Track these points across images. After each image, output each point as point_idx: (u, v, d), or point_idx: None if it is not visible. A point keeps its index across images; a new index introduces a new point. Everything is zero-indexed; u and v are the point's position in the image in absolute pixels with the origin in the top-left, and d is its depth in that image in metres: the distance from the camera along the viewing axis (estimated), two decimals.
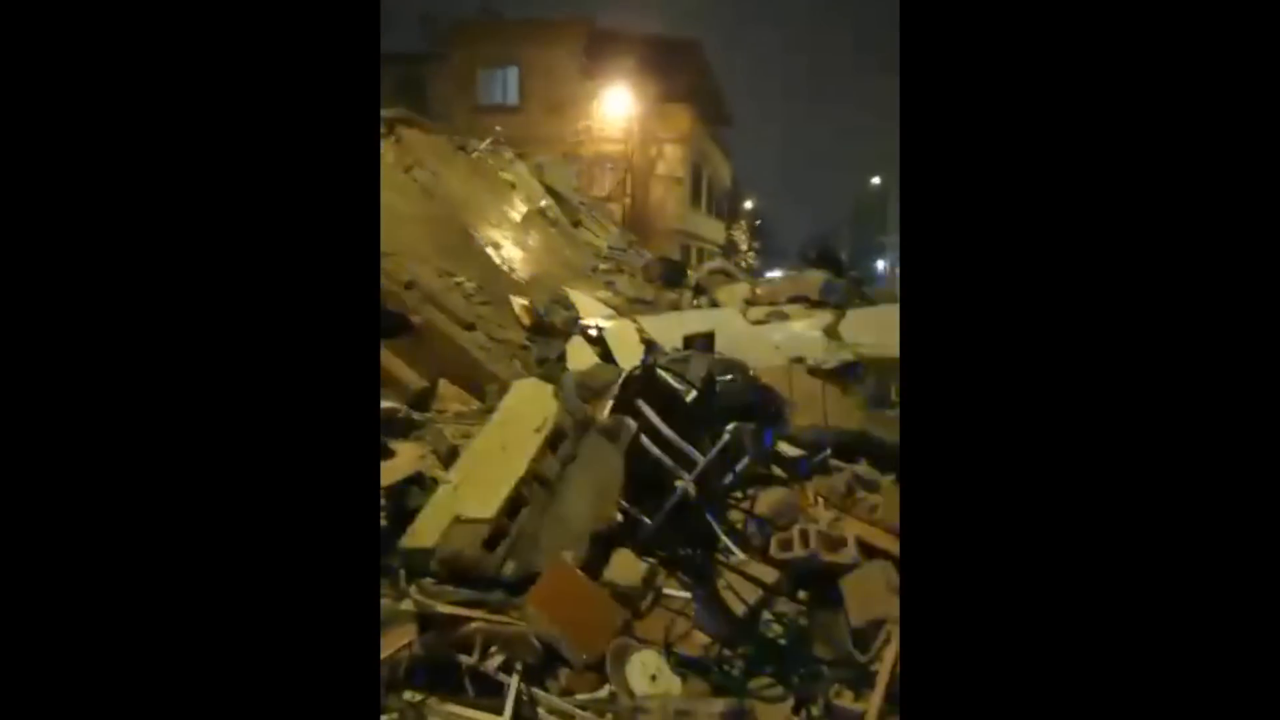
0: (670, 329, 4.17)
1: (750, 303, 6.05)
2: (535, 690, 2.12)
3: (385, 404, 3.78)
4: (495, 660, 2.17)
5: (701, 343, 3.54)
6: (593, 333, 4.66)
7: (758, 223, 29.25)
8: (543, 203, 6.90)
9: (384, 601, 2.32)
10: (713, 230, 17.65)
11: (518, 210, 6.36)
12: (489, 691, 2.12)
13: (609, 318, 5.03)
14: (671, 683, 2.19)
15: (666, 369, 3.04)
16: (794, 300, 5.98)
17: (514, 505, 2.64)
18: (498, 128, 8.12)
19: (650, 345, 4.24)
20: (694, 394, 2.88)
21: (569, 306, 5.07)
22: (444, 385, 4.05)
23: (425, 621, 2.21)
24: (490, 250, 5.24)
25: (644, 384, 2.97)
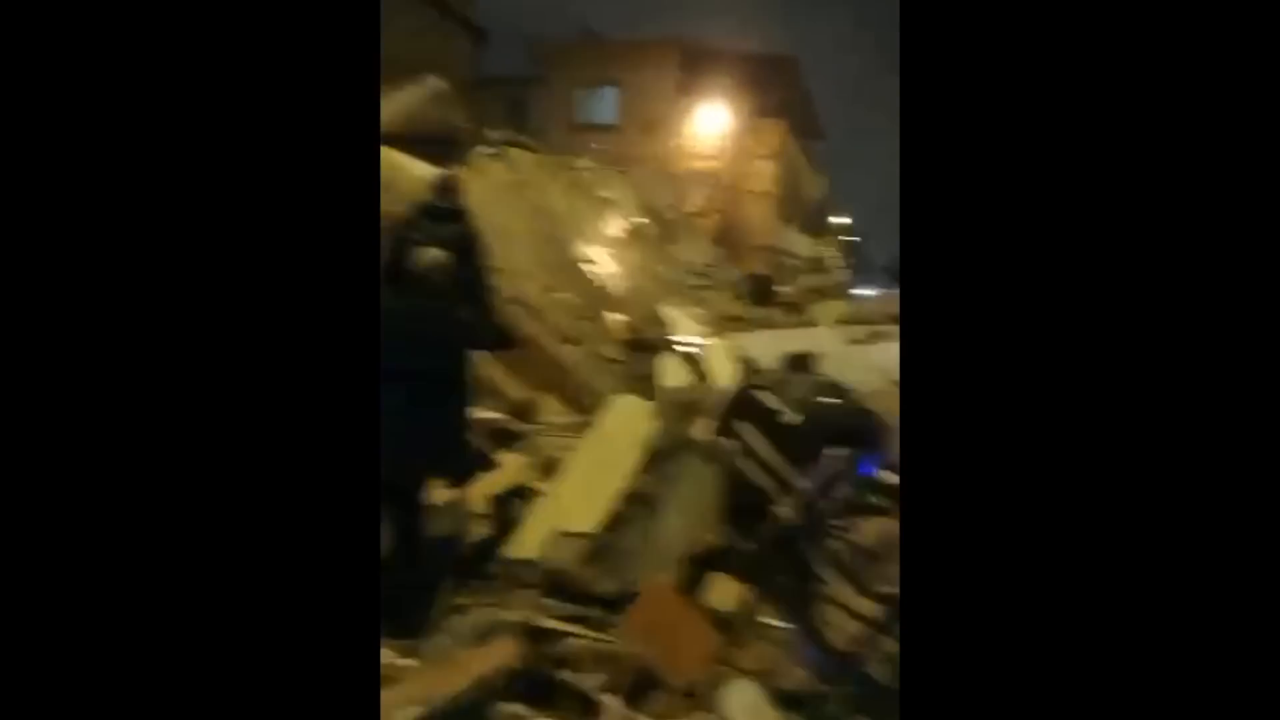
0: (767, 348, 4.12)
1: (847, 321, 5.90)
2: (631, 713, 2.12)
3: (487, 414, 3.92)
4: (593, 678, 2.18)
5: (801, 363, 3.48)
6: (686, 350, 4.66)
7: (850, 239, 28.47)
8: (638, 219, 6.99)
9: (486, 610, 2.39)
10: (804, 246, 17.33)
11: (615, 227, 6.47)
12: (586, 710, 2.13)
13: (702, 335, 5.02)
14: (769, 716, 2.14)
15: (766, 390, 3.00)
16: (893, 319, 5.78)
17: (613, 522, 2.66)
18: (593, 144, 8.31)
19: (746, 364, 4.19)
20: (793, 417, 2.82)
21: (664, 323, 5.10)
22: (544, 398, 4.16)
23: (527, 634, 2.25)
24: (589, 266, 5.35)
25: (743, 405, 2.94)
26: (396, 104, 5.24)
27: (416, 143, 5.21)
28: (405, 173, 4.90)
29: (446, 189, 3.39)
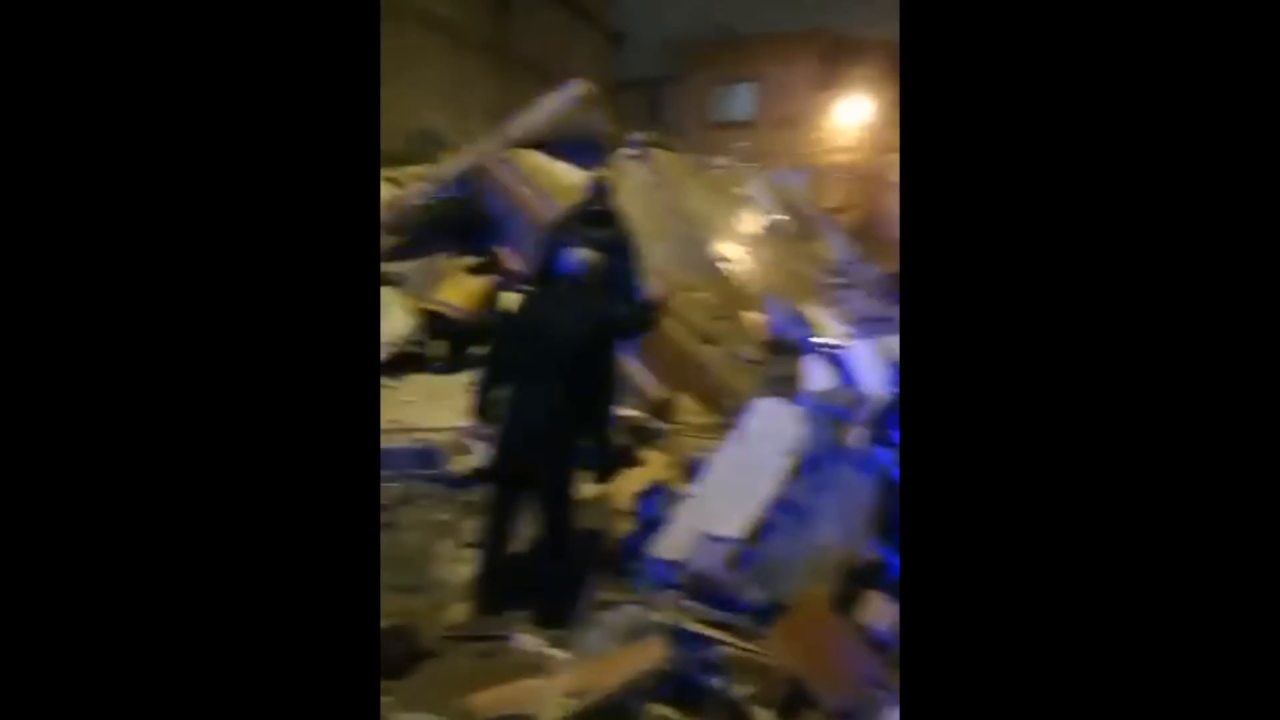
0: None
1: None
2: None
3: (628, 412, 3.97)
4: (742, 688, 2.13)
5: None
6: (830, 351, 4.47)
7: None
8: (776, 216, 6.82)
9: (633, 609, 2.40)
10: None
11: (753, 224, 6.36)
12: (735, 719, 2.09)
13: (847, 335, 4.80)
14: None
15: None
16: None
17: (761, 529, 2.59)
18: (737, 143, 8.21)
19: (895, 368, 3.96)
20: None
21: (804, 323, 4.93)
22: (682, 397, 4.15)
23: (674, 636, 2.24)
24: (726, 265, 5.29)
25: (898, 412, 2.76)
26: (543, 109, 5.44)
27: (562, 147, 5.37)
28: (554, 177, 5.07)
29: (599, 191, 3.45)
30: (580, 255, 2.80)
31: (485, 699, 2.05)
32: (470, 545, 2.80)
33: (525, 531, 2.71)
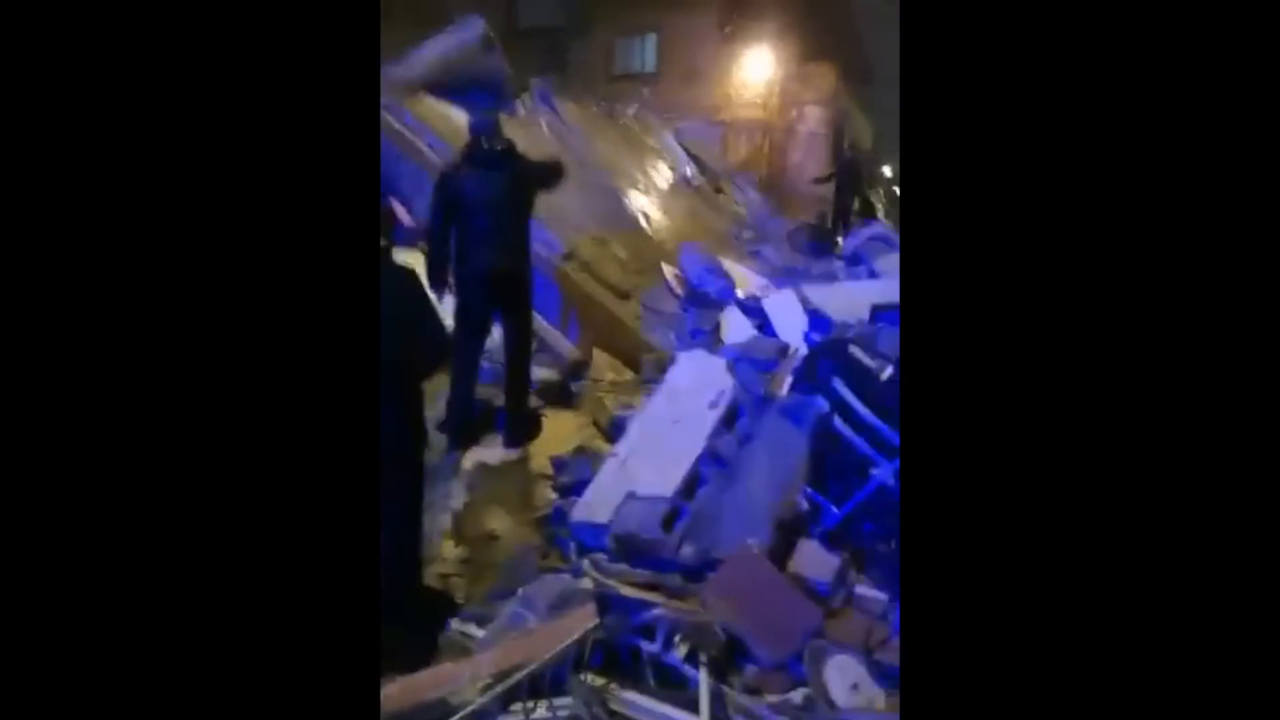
0: (839, 300, 3.84)
1: None
2: (723, 688, 1.95)
3: (542, 373, 3.76)
4: (679, 650, 2.02)
5: (889, 315, 3.20)
6: (749, 303, 4.41)
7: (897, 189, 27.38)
8: (687, 170, 6.68)
9: (563, 577, 2.24)
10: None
11: (664, 177, 6.18)
12: (671, 683, 1.98)
13: (765, 288, 4.75)
14: (874, 694, 1.96)
15: (852, 343, 2.75)
16: None
17: (690, 485, 2.48)
18: (645, 90, 7.97)
19: (815, 317, 3.93)
20: (889, 371, 2.58)
21: (722, 275, 4.84)
22: (598, 355, 3.97)
23: (604, 602, 2.10)
24: (640, 217, 5.10)
25: (835, 360, 2.70)
26: (434, 49, 4.99)
27: (458, 91, 4.97)
28: (450, 123, 4.69)
29: (486, 128, 3.16)
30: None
31: (396, 689, 1.85)
32: None
33: None
